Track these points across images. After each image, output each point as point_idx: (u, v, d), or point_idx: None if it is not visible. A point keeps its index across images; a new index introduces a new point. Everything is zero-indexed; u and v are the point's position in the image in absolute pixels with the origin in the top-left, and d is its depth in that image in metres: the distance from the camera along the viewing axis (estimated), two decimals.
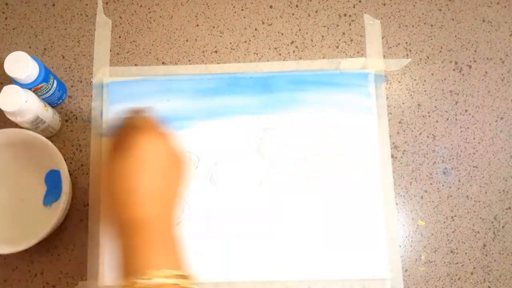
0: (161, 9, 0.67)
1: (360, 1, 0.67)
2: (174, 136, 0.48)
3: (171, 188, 0.47)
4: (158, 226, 0.44)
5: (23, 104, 0.55)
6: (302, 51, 0.66)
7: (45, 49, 0.66)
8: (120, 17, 0.67)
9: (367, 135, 0.63)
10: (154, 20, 0.67)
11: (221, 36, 0.66)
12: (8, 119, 0.57)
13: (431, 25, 0.66)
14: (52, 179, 0.62)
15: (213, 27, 0.66)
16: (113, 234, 0.45)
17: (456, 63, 0.65)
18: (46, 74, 0.59)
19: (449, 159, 0.62)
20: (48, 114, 0.60)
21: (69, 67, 0.66)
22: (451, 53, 0.65)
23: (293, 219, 0.61)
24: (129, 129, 0.47)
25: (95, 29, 0.67)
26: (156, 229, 0.44)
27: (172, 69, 0.65)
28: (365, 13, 0.66)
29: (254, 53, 0.66)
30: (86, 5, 0.67)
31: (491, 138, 0.63)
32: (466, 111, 0.64)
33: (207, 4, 0.67)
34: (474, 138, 0.63)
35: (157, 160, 0.45)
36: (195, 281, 0.43)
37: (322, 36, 0.66)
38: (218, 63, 0.65)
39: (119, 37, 0.67)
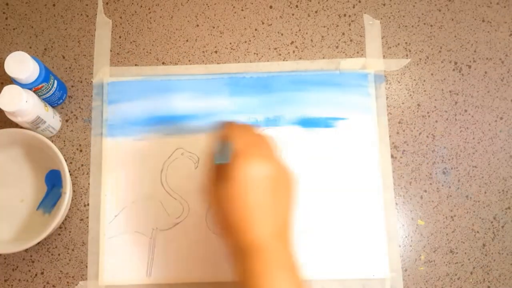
0: (161, 9, 0.67)
1: (360, 1, 0.67)
2: (279, 151, 0.46)
3: (283, 207, 0.45)
4: (276, 246, 0.43)
5: (24, 104, 0.55)
6: (302, 51, 0.66)
7: (45, 49, 0.67)
8: (120, 17, 0.67)
9: (367, 135, 0.63)
10: (154, 20, 0.67)
11: (221, 36, 0.66)
12: (9, 119, 0.57)
13: (431, 25, 0.66)
14: (53, 179, 0.62)
15: (213, 27, 0.67)
16: (232, 260, 0.44)
17: (455, 63, 0.65)
18: (46, 74, 0.59)
19: (449, 159, 0.63)
20: (48, 114, 0.60)
21: (70, 67, 0.66)
22: (451, 53, 0.65)
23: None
24: (240, 152, 0.45)
25: (95, 29, 0.67)
26: (275, 249, 0.43)
27: (172, 69, 0.65)
28: (365, 13, 0.66)
29: (254, 53, 0.66)
30: (86, 5, 0.68)
31: (490, 138, 0.63)
32: (466, 111, 0.64)
33: (207, 4, 0.67)
34: (473, 138, 0.63)
35: (267, 180, 0.44)
36: None
37: (322, 36, 0.66)
38: (218, 63, 0.66)
39: (119, 37, 0.67)
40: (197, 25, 0.67)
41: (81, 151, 0.64)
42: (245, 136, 0.46)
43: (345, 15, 0.66)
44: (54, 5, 0.68)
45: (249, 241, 0.43)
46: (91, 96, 0.65)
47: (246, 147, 0.45)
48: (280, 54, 0.66)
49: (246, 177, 0.43)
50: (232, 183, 0.43)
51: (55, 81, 0.61)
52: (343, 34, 0.66)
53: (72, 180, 0.62)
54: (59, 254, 0.61)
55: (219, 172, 0.46)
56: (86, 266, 0.61)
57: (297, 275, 0.44)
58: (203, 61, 0.66)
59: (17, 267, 0.61)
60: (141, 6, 0.67)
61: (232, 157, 0.44)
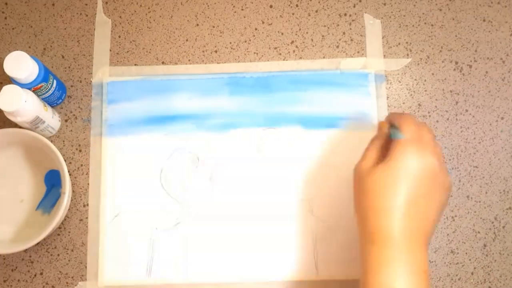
0: (161, 9, 0.67)
1: (360, 1, 0.66)
2: (442, 155, 0.46)
3: (431, 208, 0.44)
4: (403, 245, 0.42)
5: (23, 104, 0.55)
6: (302, 50, 0.65)
7: (44, 49, 0.66)
8: (120, 17, 0.67)
9: (367, 135, 0.62)
10: (154, 20, 0.67)
11: (221, 36, 0.66)
12: (8, 119, 0.57)
13: (432, 25, 0.66)
14: (52, 179, 0.61)
15: (213, 27, 0.66)
16: (361, 242, 0.44)
17: (456, 63, 0.65)
18: (45, 74, 0.58)
19: (450, 159, 0.62)
20: (47, 114, 0.60)
21: (69, 67, 0.66)
22: (452, 52, 0.65)
23: (293, 219, 0.61)
24: (407, 140, 0.45)
25: (94, 29, 0.67)
26: (400, 248, 0.42)
27: (172, 69, 0.65)
28: (366, 12, 0.66)
29: (254, 53, 0.65)
30: (86, 4, 0.67)
31: (491, 138, 0.63)
32: (467, 111, 0.64)
33: (207, 4, 0.67)
34: (474, 138, 0.63)
35: (427, 173, 0.43)
36: None
37: (322, 36, 0.66)
38: (218, 63, 0.65)
39: (119, 36, 0.66)
40: (197, 25, 0.67)
41: (80, 151, 0.63)
42: (417, 128, 0.46)
43: (345, 14, 0.66)
44: (53, 4, 0.68)
45: (380, 229, 0.42)
46: (91, 96, 0.65)
47: (415, 137, 0.44)
48: (280, 54, 0.65)
49: (405, 164, 0.43)
50: (389, 165, 0.43)
51: (55, 81, 0.61)
52: (344, 33, 0.66)
53: (71, 180, 0.62)
54: (58, 255, 0.61)
55: (375, 155, 0.46)
56: (86, 267, 0.60)
57: (422, 279, 0.42)
58: (203, 60, 0.66)
59: (16, 267, 0.61)
60: (141, 6, 0.67)
61: (399, 141, 0.44)
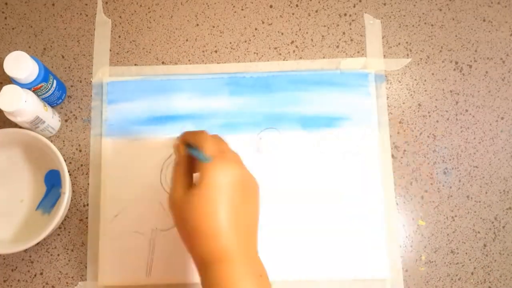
0: (161, 9, 0.67)
1: (360, 1, 0.66)
2: (241, 160, 0.46)
3: (250, 215, 0.45)
4: (240, 255, 0.43)
5: (23, 104, 0.55)
6: (302, 50, 0.65)
7: (44, 49, 0.66)
8: (120, 17, 0.67)
9: (367, 135, 0.62)
10: (154, 20, 0.67)
11: (221, 36, 0.66)
12: (8, 119, 0.57)
13: (432, 25, 0.66)
14: (52, 179, 0.61)
15: (213, 27, 0.66)
16: (200, 270, 0.44)
17: (456, 63, 0.65)
18: (45, 74, 0.58)
19: (450, 159, 0.62)
20: (47, 114, 0.60)
21: (69, 67, 0.66)
22: (452, 52, 0.65)
23: (293, 219, 0.61)
24: (196, 160, 0.45)
25: (94, 29, 0.67)
26: (239, 258, 0.43)
27: (172, 69, 0.65)
28: (366, 12, 0.66)
29: (254, 53, 0.65)
30: (86, 4, 0.67)
31: (491, 138, 0.63)
32: (467, 111, 0.64)
33: (207, 4, 0.67)
34: (474, 138, 0.63)
35: (237, 186, 0.43)
36: None
37: (322, 36, 0.66)
38: (218, 63, 0.65)
39: (119, 36, 0.66)
40: (197, 25, 0.67)
41: (80, 151, 0.63)
42: (216, 144, 0.46)
43: (345, 14, 0.66)
44: (53, 4, 0.68)
45: (215, 250, 0.42)
46: (91, 96, 0.65)
47: (219, 151, 0.45)
48: (280, 54, 0.65)
49: (217, 182, 0.43)
50: (203, 188, 0.42)
51: (55, 81, 0.61)
52: (344, 33, 0.66)
53: (71, 180, 0.62)
54: (58, 255, 0.61)
55: (183, 180, 0.45)
56: (86, 267, 0.60)
57: (265, 281, 0.44)
58: (203, 60, 0.65)
59: (16, 267, 0.61)
60: (141, 6, 0.67)
61: (199, 165, 0.44)
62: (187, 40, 0.66)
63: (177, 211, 0.44)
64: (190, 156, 0.47)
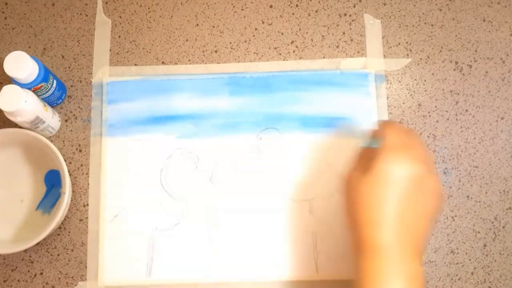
0: (161, 9, 0.67)
1: (360, 1, 0.66)
2: (433, 162, 0.46)
3: (420, 216, 0.44)
4: (395, 252, 0.42)
5: (23, 104, 0.55)
6: (302, 50, 0.65)
7: (44, 49, 0.66)
8: (120, 17, 0.67)
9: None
10: (154, 20, 0.67)
11: (221, 36, 0.66)
12: (8, 119, 0.57)
13: (432, 25, 0.66)
14: (52, 179, 0.61)
15: (213, 27, 0.66)
16: (352, 253, 0.44)
17: (456, 63, 0.65)
18: (45, 74, 0.58)
19: (450, 159, 0.62)
20: (47, 114, 0.60)
21: (69, 67, 0.66)
22: (452, 52, 0.65)
23: (293, 218, 0.61)
24: (390, 148, 0.44)
25: (94, 29, 0.67)
26: (393, 255, 0.41)
27: (172, 69, 0.65)
28: (366, 12, 0.66)
29: (254, 53, 0.65)
30: (86, 4, 0.67)
31: (491, 138, 0.63)
32: (467, 111, 0.64)
33: (207, 4, 0.67)
34: (474, 138, 0.63)
35: (411, 182, 0.42)
36: None
37: (322, 36, 0.66)
38: (218, 63, 0.65)
39: (119, 36, 0.66)
40: (197, 25, 0.67)
41: (80, 151, 0.63)
42: (401, 135, 0.45)
43: (345, 14, 0.66)
44: (53, 4, 0.68)
45: (371, 239, 0.42)
46: (91, 96, 0.65)
47: (398, 144, 0.44)
48: (280, 54, 0.65)
49: (390, 173, 0.42)
50: (374, 176, 0.42)
51: (55, 81, 0.61)
52: (344, 33, 0.66)
53: (71, 180, 0.62)
54: (58, 255, 0.61)
55: (363, 163, 0.45)
56: (86, 267, 0.60)
57: (414, 285, 0.41)
58: (203, 60, 0.65)
59: (16, 267, 0.61)
60: (141, 6, 0.67)
61: (382, 149, 0.43)
62: (187, 40, 0.66)
63: (348, 190, 0.45)
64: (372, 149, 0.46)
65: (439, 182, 0.45)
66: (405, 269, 0.42)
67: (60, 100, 0.64)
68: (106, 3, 0.67)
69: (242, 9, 0.67)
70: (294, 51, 0.65)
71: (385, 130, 0.46)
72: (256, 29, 0.66)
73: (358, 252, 0.43)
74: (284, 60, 0.65)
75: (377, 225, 0.42)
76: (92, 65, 0.66)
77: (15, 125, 0.59)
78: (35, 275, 0.61)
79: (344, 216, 0.45)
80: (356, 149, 0.49)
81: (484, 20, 0.65)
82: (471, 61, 0.65)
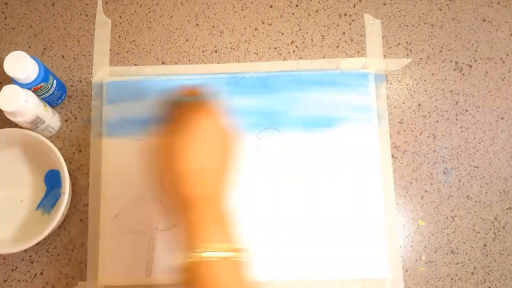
0: (161, 9, 0.67)
1: (360, 1, 0.66)
2: (224, 114, 0.49)
3: (223, 167, 0.48)
4: (210, 202, 0.46)
5: (23, 104, 0.55)
6: (302, 50, 0.65)
7: (44, 49, 0.66)
8: (120, 17, 0.67)
9: (367, 135, 0.62)
10: (154, 20, 0.67)
11: (221, 36, 0.66)
12: (8, 119, 0.57)
13: (432, 25, 0.66)
14: (52, 179, 0.61)
15: (213, 27, 0.66)
16: (170, 211, 0.47)
17: (456, 63, 0.65)
18: (45, 74, 0.58)
19: (450, 159, 0.62)
20: (47, 114, 0.60)
21: (69, 67, 0.66)
22: (452, 52, 0.65)
23: (293, 218, 0.61)
24: (182, 109, 0.48)
25: (94, 29, 0.67)
26: (209, 205, 0.45)
27: (172, 69, 0.65)
28: (366, 12, 0.66)
29: (254, 53, 0.65)
30: (86, 4, 0.67)
31: (491, 138, 0.63)
32: (467, 111, 0.64)
33: (207, 4, 0.67)
34: (474, 138, 0.63)
35: (210, 139, 0.47)
36: (248, 255, 0.44)
37: (322, 36, 0.66)
38: (218, 63, 0.65)
39: (119, 36, 0.66)
40: (197, 25, 0.67)
41: (80, 151, 0.63)
42: (197, 101, 0.50)
43: (345, 14, 0.66)
44: (53, 4, 0.68)
45: (188, 196, 0.45)
46: (91, 96, 0.65)
47: (197, 108, 0.48)
48: (280, 54, 0.65)
49: (195, 134, 0.46)
50: (181, 138, 0.45)
51: (55, 81, 0.61)
52: (344, 33, 0.66)
53: (71, 180, 0.62)
54: (58, 255, 0.61)
55: (171, 126, 0.48)
56: (86, 267, 0.60)
57: (228, 232, 0.45)
58: (203, 60, 0.65)
59: (16, 267, 0.61)
60: (141, 6, 0.67)
61: (184, 114, 0.47)
62: (187, 40, 0.66)
63: (155, 150, 0.48)
64: (179, 110, 0.49)
65: (230, 130, 0.50)
66: (220, 214, 0.46)
67: (60, 100, 0.64)
68: (106, 3, 0.67)
69: (242, 9, 0.67)
70: (294, 51, 0.65)
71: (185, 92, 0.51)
72: (256, 29, 0.66)
73: (180, 207, 0.46)
74: (284, 60, 0.65)
75: (193, 181, 0.46)
76: (92, 65, 0.66)
77: (15, 125, 0.59)
78: (35, 275, 0.61)
79: (160, 176, 0.48)
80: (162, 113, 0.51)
81: (484, 20, 0.65)
82: (471, 61, 0.65)
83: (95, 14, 0.67)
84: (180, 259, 0.43)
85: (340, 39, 0.66)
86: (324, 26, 0.66)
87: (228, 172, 0.48)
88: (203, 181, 0.46)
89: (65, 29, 0.67)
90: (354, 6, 0.66)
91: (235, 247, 0.44)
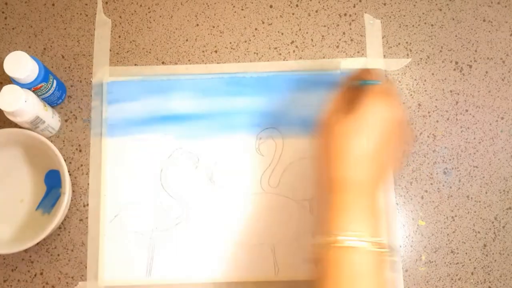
0: (161, 9, 0.67)
1: (360, 1, 0.66)
2: (402, 107, 0.49)
3: (387, 157, 0.46)
4: (365, 190, 0.44)
5: (23, 104, 0.55)
6: (302, 50, 0.65)
7: (44, 48, 0.66)
8: (120, 17, 0.67)
9: None
10: (154, 20, 0.67)
11: (221, 36, 0.66)
12: (8, 119, 0.57)
13: (432, 25, 0.66)
14: (52, 179, 0.61)
15: (213, 27, 0.66)
16: (322, 189, 0.45)
17: (456, 62, 0.65)
18: (45, 74, 0.58)
19: (450, 159, 0.62)
20: (47, 114, 0.60)
21: (69, 67, 0.66)
22: (452, 52, 0.65)
23: (292, 218, 0.61)
24: (361, 91, 0.47)
25: (94, 29, 0.67)
26: (362, 192, 0.44)
27: (172, 69, 0.65)
28: (366, 12, 0.66)
29: (254, 53, 0.65)
30: (86, 4, 0.67)
31: (491, 138, 0.63)
32: (467, 111, 0.64)
33: (207, 4, 0.67)
34: (474, 138, 0.63)
35: (382, 126, 0.45)
36: (394, 254, 0.43)
37: (322, 36, 0.66)
38: (218, 63, 0.65)
39: (119, 36, 0.66)
40: (197, 25, 0.67)
41: (80, 151, 0.63)
42: (389, 83, 0.49)
43: (345, 14, 0.66)
44: (53, 4, 0.68)
45: (344, 177, 0.44)
46: (91, 96, 0.65)
47: (387, 90, 0.47)
48: (280, 54, 0.65)
49: (376, 113, 0.44)
50: (359, 115, 0.44)
51: (55, 81, 0.61)
52: (344, 33, 0.66)
53: (71, 180, 0.62)
54: (58, 255, 0.61)
55: (344, 105, 0.47)
56: (86, 267, 0.60)
57: (376, 223, 0.44)
58: (203, 60, 0.65)
59: (16, 267, 0.61)
60: (141, 6, 0.67)
61: (370, 91, 0.46)
62: (187, 40, 0.66)
63: (326, 129, 0.46)
64: (360, 85, 0.48)
65: (412, 131, 0.50)
66: (369, 204, 0.44)
67: (60, 100, 0.64)
68: (106, 3, 0.67)
69: (242, 9, 0.67)
70: (294, 51, 0.65)
71: (374, 73, 0.49)
72: (256, 29, 0.66)
73: (326, 190, 0.45)
74: (284, 60, 0.65)
75: (353, 162, 0.44)
76: (92, 65, 0.66)
77: (15, 125, 0.59)
78: (35, 275, 0.61)
79: (316, 156, 0.47)
80: (335, 92, 0.50)
81: (484, 20, 0.65)
82: (471, 61, 0.65)
83: (95, 14, 0.67)
84: (317, 242, 0.41)
85: (340, 39, 0.66)
86: (324, 26, 0.66)
87: (391, 162, 0.47)
88: (365, 166, 0.44)
89: (65, 29, 0.67)
90: (354, 6, 0.66)
91: (381, 241, 0.42)
